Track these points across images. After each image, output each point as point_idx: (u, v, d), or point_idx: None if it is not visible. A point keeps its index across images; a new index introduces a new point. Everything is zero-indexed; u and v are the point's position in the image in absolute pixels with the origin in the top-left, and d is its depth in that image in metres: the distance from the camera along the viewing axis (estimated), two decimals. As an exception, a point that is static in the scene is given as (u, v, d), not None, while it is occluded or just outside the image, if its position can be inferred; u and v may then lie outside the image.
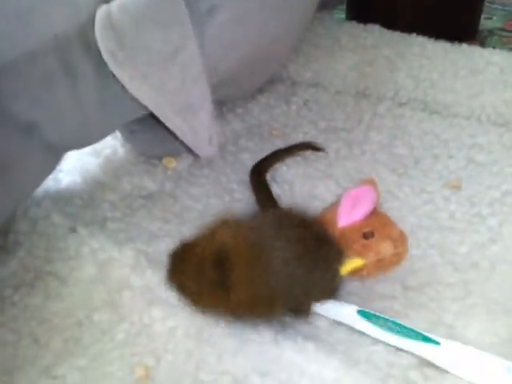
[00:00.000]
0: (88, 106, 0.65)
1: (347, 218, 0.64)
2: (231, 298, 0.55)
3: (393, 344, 0.56)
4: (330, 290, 0.60)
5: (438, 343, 0.54)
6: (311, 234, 0.58)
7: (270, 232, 0.57)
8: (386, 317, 0.57)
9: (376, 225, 0.64)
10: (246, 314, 0.58)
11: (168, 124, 0.66)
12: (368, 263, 0.62)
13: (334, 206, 0.68)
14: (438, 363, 0.53)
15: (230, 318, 0.58)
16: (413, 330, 0.55)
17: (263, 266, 0.55)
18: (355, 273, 0.62)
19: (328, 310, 0.60)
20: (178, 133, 0.68)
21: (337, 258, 0.60)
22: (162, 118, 0.66)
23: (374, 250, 0.62)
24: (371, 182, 0.72)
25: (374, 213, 0.65)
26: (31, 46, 0.59)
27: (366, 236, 0.62)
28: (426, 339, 0.55)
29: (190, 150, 0.77)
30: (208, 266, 0.55)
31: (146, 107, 0.65)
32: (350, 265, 0.61)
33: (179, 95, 0.65)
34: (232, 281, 0.54)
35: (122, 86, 0.61)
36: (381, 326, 0.56)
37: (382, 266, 0.63)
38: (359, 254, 0.61)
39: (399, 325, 0.56)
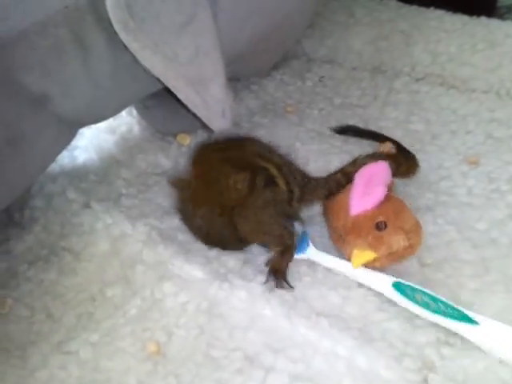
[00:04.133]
0: (100, 79, 0.65)
1: (360, 204, 0.62)
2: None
3: (429, 319, 0.55)
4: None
5: (476, 323, 0.53)
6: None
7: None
8: (424, 290, 0.57)
9: (389, 214, 0.61)
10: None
11: (180, 96, 0.65)
12: (380, 256, 0.60)
13: (347, 189, 0.65)
14: (476, 343, 0.53)
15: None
16: (451, 307, 0.55)
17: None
18: (368, 265, 0.60)
19: (362, 277, 0.60)
20: (190, 105, 0.67)
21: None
22: (173, 90, 0.65)
23: (386, 243, 0.59)
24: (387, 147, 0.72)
25: (388, 198, 0.62)
26: (41, 16, 0.58)
27: (378, 227, 0.60)
28: (464, 318, 0.54)
29: (204, 126, 0.76)
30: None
31: (158, 81, 0.64)
32: (362, 258, 0.59)
33: (191, 67, 0.64)
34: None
35: (134, 58, 0.61)
36: (417, 301, 0.56)
37: (395, 258, 0.61)
38: (371, 247, 0.59)
39: (436, 299, 0.55)
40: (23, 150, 0.63)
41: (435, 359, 0.52)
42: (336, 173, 0.68)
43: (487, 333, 0.53)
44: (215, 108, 0.69)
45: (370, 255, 0.59)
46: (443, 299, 0.55)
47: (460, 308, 0.54)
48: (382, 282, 0.59)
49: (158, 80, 0.64)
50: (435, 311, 0.55)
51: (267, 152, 0.65)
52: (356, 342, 0.53)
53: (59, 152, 0.71)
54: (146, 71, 0.62)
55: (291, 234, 0.63)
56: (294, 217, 0.65)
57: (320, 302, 0.58)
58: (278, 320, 0.56)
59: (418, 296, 0.56)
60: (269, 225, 0.62)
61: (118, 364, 0.55)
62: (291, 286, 0.60)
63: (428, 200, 0.69)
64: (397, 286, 0.58)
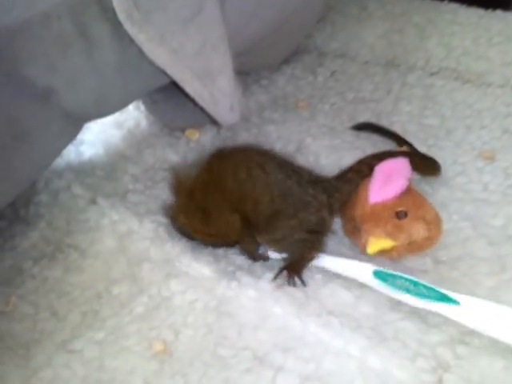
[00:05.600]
0: (106, 71, 0.63)
1: (379, 194, 0.61)
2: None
3: (411, 304, 0.54)
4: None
5: (457, 303, 0.52)
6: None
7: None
8: (405, 276, 0.55)
9: (410, 204, 0.60)
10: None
11: (187, 89, 0.64)
12: (398, 245, 0.58)
13: (367, 181, 0.64)
14: (459, 321, 0.52)
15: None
16: (433, 290, 0.54)
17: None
18: (384, 254, 0.59)
19: (343, 268, 0.59)
20: (198, 99, 0.65)
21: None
22: (180, 83, 0.63)
23: (405, 231, 0.58)
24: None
25: (408, 191, 0.61)
26: (45, 7, 0.57)
27: (398, 215, 0.59)
28: (446, 299, 0.53)
29: (212, 121, 0.75)
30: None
31: (165, 74, 0.63)
32: (379, 245, 0.58)
33: (198, 59, 0.63)
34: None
35: (140, 50, 0.59)
36: (398, 287, 0.55)
37: (413, 248, 0.59)
38: (390, 235, 0.58)
39: (418, 284, 0.54)
40: (28, 144, 0.62)
41: (450, 359, 0.50)
42: (350, 171, 0.66)
43: (469, 311, 0.52)
44: (223, 102, 0.67)
45: (387, 243, 0.58)
46: (424, 283, 0.54)
47: (442, 290, 0.54)
48: (363, 271, 0.57)
49: (165, 73, 0.63)
50: (416, 294, 0.54)
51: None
52: (368, 342, 0.51)
53: (64, 146, 0.69)
54: (152, 64, 0.61)
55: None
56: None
57: (332, 301, 0.56)
58: (288, 319, 0.55)
59: (399, 282, 0.55)
60: (302, 242, 0.60)
61: (124, 363, 0.53)
62: (304, 284, 0.58)
63: (443, 196, 0.67)
64: (378, 274, 0.56)
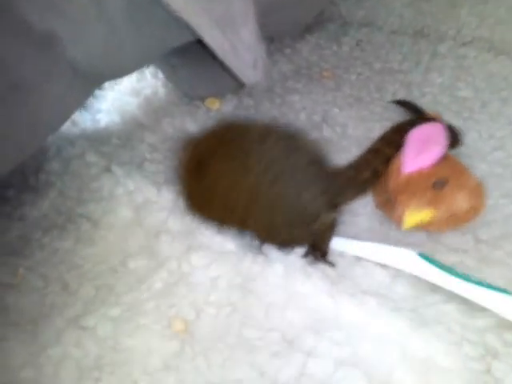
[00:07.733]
0: (114, 20, 0.57)
1: (414, 162, 0.56)
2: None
3: (460, 293, 0.49)
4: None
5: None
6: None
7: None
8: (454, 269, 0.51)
9: (449, 172, 0.54)
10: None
11: (206, 38, 0.58)
12: (438, 217, 0.53)
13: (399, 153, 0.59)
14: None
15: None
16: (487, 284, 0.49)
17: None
18: (422, 227, 0.54)
19: (384, 255, 0.54)
20: (219, 51, 0.60)
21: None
22: (197, 30, 0.57)
23: (446, 201, 0.53)
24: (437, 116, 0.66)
25: (446, 158, 0.56)
26: None
27: (436, 186, 0.53)
28: (502, 290, 0.48)
29: (233, 89, 0.70)
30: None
31: (181, 28, 0.57)
32: (416, 216, 0.52)
33: (218, 3, 0.57)
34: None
35: None
36: (446, 270, 0.50)
37: (455, 221, 0.54)
38: (429, 204, 0.53)
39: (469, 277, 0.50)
40: (28, 96, 0.56)
41: (498, 345, 0.46)
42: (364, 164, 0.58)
43: None
44: (246, 57, 0.62)
45: (426, 214, 0.52)
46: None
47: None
48: (406, 255, 0.53)
49: (181, 26, 0.57)
50: (468, 280, 0.49)
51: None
52: (409, 325, 0.47)
53: (73, 108, 0.64)
54: (166, 12, 0.55)
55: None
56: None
57: (366, 281, 0.52)
58: (320, 298, 0.50)
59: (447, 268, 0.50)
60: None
61: (141, 342, 0.49)
62: (333, 265, 0.54)
63: (481, 171, 0.63)
64: (423, 256, 0.52)
